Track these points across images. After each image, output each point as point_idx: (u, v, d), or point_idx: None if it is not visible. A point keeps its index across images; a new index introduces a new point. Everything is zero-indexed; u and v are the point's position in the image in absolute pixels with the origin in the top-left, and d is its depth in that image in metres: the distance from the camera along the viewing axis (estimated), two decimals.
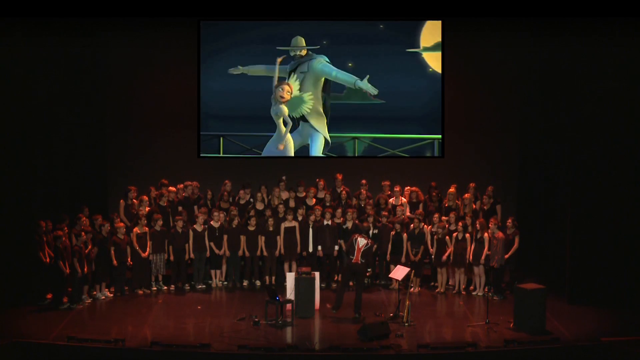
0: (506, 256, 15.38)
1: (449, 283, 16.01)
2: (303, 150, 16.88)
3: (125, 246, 15.56)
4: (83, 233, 14.96)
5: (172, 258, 16.04)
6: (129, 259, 15.67)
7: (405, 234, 15.96)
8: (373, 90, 16.38)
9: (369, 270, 15.81)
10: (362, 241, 14.51)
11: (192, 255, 16.10)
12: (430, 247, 15.91)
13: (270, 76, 16.59)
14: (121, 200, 16.51)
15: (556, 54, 15.76)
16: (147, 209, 16.23)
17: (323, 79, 16.56)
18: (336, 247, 16.05)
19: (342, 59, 16.66)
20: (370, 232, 16.08)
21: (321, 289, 14.98)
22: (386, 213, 16.33)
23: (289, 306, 14.04)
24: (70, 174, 16.76)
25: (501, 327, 13.77)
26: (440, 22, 16.66)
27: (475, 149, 18.12)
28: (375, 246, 15.31)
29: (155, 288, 15.95)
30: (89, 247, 15.08)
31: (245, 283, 16.29)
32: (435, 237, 15.80)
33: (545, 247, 16.64)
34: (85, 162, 17.25)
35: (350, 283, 15.05)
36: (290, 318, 13.96)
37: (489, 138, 18.11)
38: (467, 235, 15.61)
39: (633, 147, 14.79)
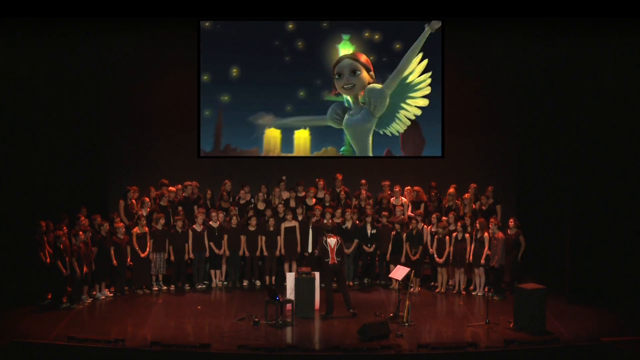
0: (516, 258, 15.40)
1: (449, 283, 16.01)
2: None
3: (125, 246, 15.56)
4: (82, 233, 14.96)
5: (172, 258, 16.04)
6: (128, 259, 15.67)
7: (405, 234, 15.97)
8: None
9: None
10: (332, 241, 14.53)
11: (191, 255, 16.10)
12: (429, 247, 15.92)
13: None
14: (120, 200, 16.50)
15: (556, 54, 15.75)
16: (148, 209, 16.24)
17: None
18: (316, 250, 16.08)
19: None
20: (369, 231, 16.12)
21: (321, 289, 14.96)
22: (386, 213, 16.33)
23: (289, 306, 14.04)
24: (70, 174, 16.75)
25: (501, 327, 13.77)
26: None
27: (475, 149, 18.12)
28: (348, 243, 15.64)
29: (155, 288, 15.95)
30: (89, 246, 15.09)
31: (245, 283, 16.29)
32: (435, 237, 15.81)
33: (545, 247, 16.64)
34: (85, 162, 17.25)
35: (334, 285, 14.92)
36: (290, 318, 13.96)
37: (489, 138, 18.11)
38: (467, 235, 15.62)
39: (633, 147, 14.79)
